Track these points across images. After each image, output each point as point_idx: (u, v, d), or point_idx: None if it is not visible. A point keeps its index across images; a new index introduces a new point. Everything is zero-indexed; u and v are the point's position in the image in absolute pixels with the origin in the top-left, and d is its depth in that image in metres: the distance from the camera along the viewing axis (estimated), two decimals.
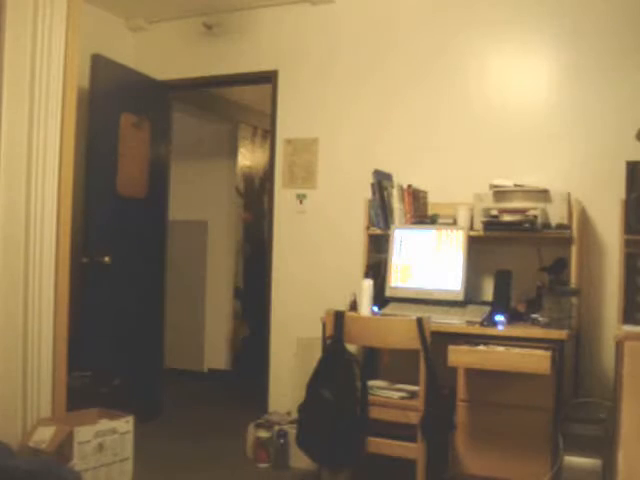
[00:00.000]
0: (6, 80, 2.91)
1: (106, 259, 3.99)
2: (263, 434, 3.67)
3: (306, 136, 4.12)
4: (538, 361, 2.71)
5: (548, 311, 3.03)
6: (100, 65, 4.02)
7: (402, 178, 3.63)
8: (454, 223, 3.45)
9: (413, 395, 2.96)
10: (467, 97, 3.73)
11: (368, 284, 3.28)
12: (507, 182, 3.38)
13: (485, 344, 2.92)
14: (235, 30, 4.37)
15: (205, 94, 5.50)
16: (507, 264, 3.40)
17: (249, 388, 4.81)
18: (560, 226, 3.19)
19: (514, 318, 3.20)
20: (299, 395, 3.10)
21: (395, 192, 3.54)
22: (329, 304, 3.35)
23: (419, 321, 2.85)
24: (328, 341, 3.04)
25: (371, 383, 3.11)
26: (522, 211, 3.21)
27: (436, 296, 3.33)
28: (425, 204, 3.68)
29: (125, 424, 3.09)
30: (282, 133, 4.21)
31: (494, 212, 3.27)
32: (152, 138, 4.47)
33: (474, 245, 3.39)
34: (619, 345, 2.64)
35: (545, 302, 3.07)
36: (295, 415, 3.24)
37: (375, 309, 3.28)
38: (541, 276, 3.30)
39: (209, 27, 4.40)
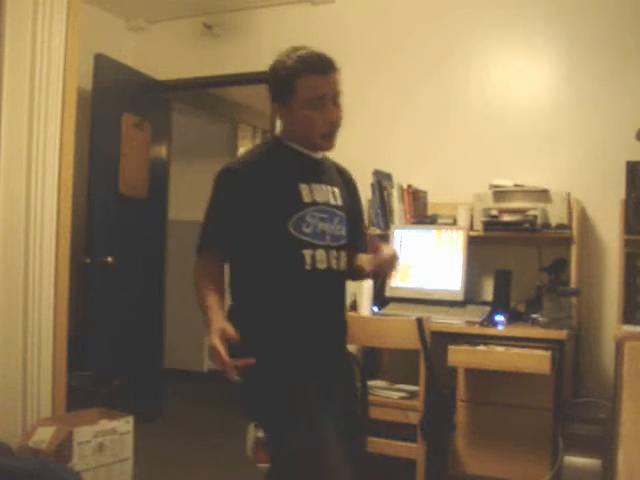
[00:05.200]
0: (6, 80, 2.92)
1: (109, 259, 3.99)
2: (263, 434, 3.66)
3: None
4: (538, 361, 2.71)
5: (548, 311, 3.03)
6: (103, 65, 4.02)
7: (402, 178, 3.63)
8: (454, 223, 3.45)
9: (413, 395, 2.96)
10: (467, 97, 3.73)
11: (368, 284, 3.28)
12: (507, 182, 3.38)
13: (485, 344, 2.92)
14: (235, 30, 4.37)
15: (205, 94, 5.50)
16: (507, 264, 3.40)
17: None
18: (560, 226, 3.19)
19: (514, 318, 3.20)
20: None
21: (395, 192, 3.54)
22: None
23: (419, 321, 2.85)
24: None
25: (371, 383, 3.11)
26: (522, 211, 3.21)
27: (436, 296, 3.33)
28: (425, 204, 3.68)
29: (125, 424, 3.09)
30: None
31: (494, 212, 3.27)
32: (152, 138, 4.47)
33: (474, 245, 3.39)
34: (619, 345, 2.64)
35: (545, 302, 3.07)
36: None
37: (375, 309, 3.28)
38: (541, 276, 3.30)
39: (209, 27, 4.40)
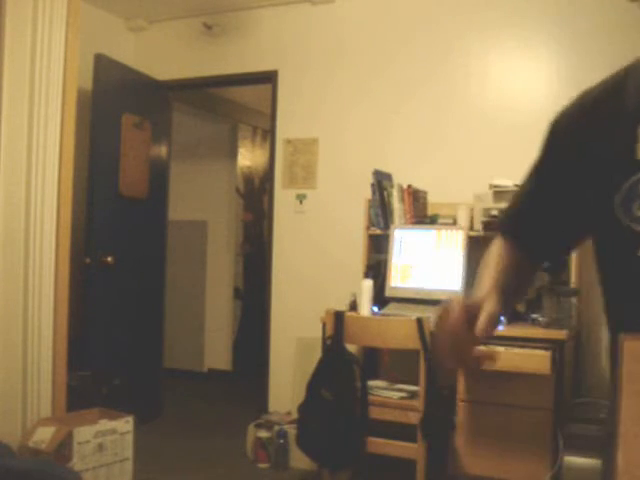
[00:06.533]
0: (6, 80, 2.92)
1: (109, 259, 3.99)
2: (263, 434, 3.67)
3: (306, 136, 4.13)
4: (538, 361, 2.71)
5: (548, 311, 3.03)
6: (103, 65, 4.02)
7: (402, 178, 3.63)
8: (454, 223, 3.45)
9: (413, 395, 2.96)
10: (467, 97, 3.73)
11: (368, 284, 3.28)
12: (507, 182, 3.38)
13: (485, 344, 2.91)
14: (235, 30, 4.37)
15: (205, 94, 5.50)
16: None
17: (249, 388, 4.81)
18: None
19: (514, 318, 3.20)
20: (299, 395, 3.10)
21: (395, 192, 3.54)
22: (329, 304, 3.35)
23: (419, 321, 2.85)
24: (328, 341, 3.05)
25: (371, 383, 3.11)
26: None
27: (436, 296, 3.33)
28: (425, 204, 3.68)
29: (125, 424, 3.10)
30: (282, 133, 4.21)
31: (494, 212, 3.27)
32: (152, 138, 4.47)
33: (474, 245, 3.38)
34: (619, 345, 2.64)
35: (545, 302, 3.07)
36: (295, 415, 3.24)
37: (375, 309, 3.28)
38: (541, 276, 3.30)
39: (209, 27, 4.40)
